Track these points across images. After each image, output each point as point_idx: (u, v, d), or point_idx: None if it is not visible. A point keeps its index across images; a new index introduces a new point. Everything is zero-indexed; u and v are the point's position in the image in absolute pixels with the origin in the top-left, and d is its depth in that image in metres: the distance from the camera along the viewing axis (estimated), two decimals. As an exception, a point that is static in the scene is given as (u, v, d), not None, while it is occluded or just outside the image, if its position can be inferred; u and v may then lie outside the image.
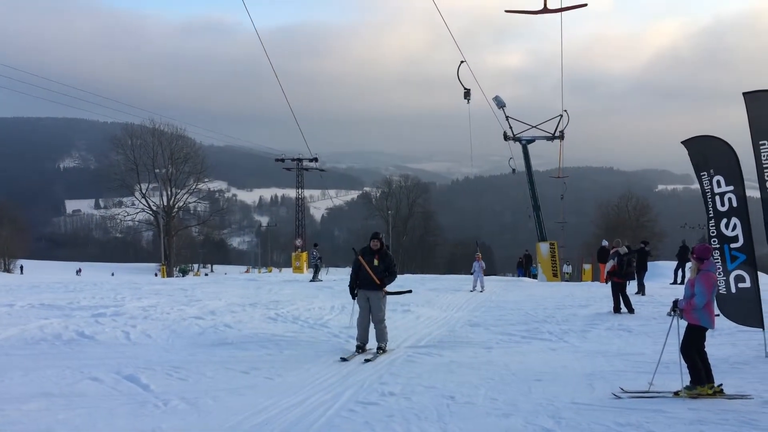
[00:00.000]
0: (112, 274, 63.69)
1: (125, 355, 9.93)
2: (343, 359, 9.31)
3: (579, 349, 10.45)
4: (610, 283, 15.05)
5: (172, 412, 6.60)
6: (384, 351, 9.88)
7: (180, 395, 7.23)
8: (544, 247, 29.93)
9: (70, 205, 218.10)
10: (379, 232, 10.21)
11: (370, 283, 9.76)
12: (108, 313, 13.89)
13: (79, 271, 73.04)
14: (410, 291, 11.39)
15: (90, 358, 9.57)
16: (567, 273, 43.21)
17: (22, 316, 13.62)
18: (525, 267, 39.12)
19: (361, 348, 9.89)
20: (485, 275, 22.88)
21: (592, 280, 33.11)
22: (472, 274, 21.96)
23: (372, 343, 10.06)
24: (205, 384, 7.94)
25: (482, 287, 21.12)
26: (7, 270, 77.43)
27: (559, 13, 20.32)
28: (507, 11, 20.59)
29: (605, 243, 23.58)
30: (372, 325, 9.95)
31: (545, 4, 19.38)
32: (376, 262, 9.74)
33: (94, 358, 9.63)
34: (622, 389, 7.36)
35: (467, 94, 30.58)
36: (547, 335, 11.81)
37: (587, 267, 40.14)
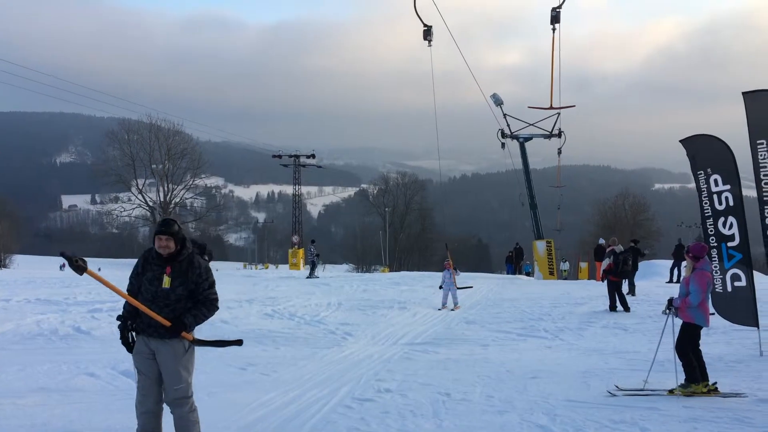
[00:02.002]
0: (99, 269, 63.53)
1: (121, 350, 9.85)
2: None
3: (574, 347, 10.50)
4: (606, 282, 15.08)
5: (168, 408, 6.59)
6: None
7: (176, 391, 7.22)
8: (540, 246, 29.96)
9: (67, 201, 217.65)
10: (172, 219, 5.07)
11: (152, 324, 4.90)
12: (104, 308, 13.87)
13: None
14: (240, 342, 5.42)
15: (86, 354, 9.57)
16: (564, 270, 43.16)
17: (18, 311, 13.61)
18: (515, 262, 35.56)
19: None
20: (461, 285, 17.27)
21: (589, 279, 33.19)
22: (440, 288, 16.25)
23: None
24: (202, 380, 7.92)
25: (455, 303, 15.83)
26: (4, 265, 77.30)
27: (557, 11, 27.56)
28: (530, 107, 30.01)
29: (602, 241, 23.61)
30: (168, 408, 5.26)
31: (551, 104, 29.22)
32: (167, 281, 4.86)
33: (91, 353, 9.64)
34: (617, 387, 7.39)
35: (428, 32, 24.24)
36: (543, 333, 11.85)
37: (584, 265, 40.22)
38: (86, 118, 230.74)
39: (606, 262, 15.13)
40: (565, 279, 38.48)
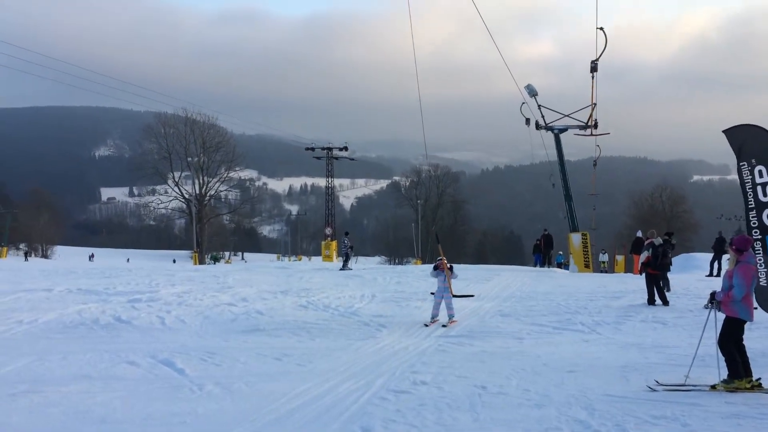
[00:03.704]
0: (128, 260, 64.77)
1: (160, 339, 10.12)
2: None
3: (612, 340, 10.33)
4: (644, 275, 14.81)
5: (207, 397, 6.71)
6: None
7: (214, 380, 7.35)
8: (575, 238, 29.51)
9: (105, 193, 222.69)
10: None
11: None
12: (143, 298, 14.16)
13: (91, 257, 74.30)
14: None
15: (127, 342, 9.78)
16: (603, 262, 42.29)
17: (61, 300, 13.97)
18: (543, 252, 31.34)
19: None
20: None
21: (625, 272, 32.65)
22: (432, 294, 12.55)
23: None
24: (239, 369, 8.05)
25: (450, 317, 11.96)
26: (45, 255, 79.41)
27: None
28: (575, 134, 31.63)
29: (640, 234, 23.18)
30: None
31: (591, 132, 31.12)
32: None
33: (131, 342, 9.84)
34: (657, 382, 7.26)
35: None
36: (579, 326, 11.68)
37: (620, 258, 39.61)
38: (124, 111, 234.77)
39: (644, 255, 14.84)
40: (604, 271, 37.86)
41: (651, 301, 14.20)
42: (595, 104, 30.78)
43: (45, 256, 79.16)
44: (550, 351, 9.39)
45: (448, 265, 12.53)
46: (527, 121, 31.79)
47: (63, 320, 11.54)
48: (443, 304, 12.09)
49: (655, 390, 6.99)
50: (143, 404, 6.36)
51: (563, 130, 31.44)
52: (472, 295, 14.65)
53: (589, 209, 55.82)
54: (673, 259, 18.46)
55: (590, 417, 5.97)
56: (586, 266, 28.83)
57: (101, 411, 6.12)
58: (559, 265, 36.79)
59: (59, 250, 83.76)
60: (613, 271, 37.61)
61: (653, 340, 10.33)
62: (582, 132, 31.59)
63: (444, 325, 11.64)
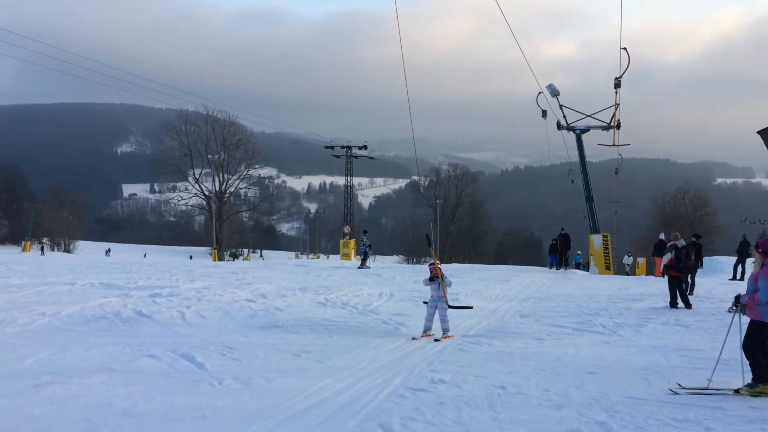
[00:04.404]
0: (144, 256, 65.45)
1: (181, 334, 10.20)
2: None
3: (633, 343, 10.22)
4: (666, 277, 14.63)
5: (226, 391, 6.74)
6: None
7: (234, 375, 7.39)
8: (596, 240, 29.27)
9: (127, 189, 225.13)
10: None
11: None
12: (164, 293, 14.30)
13: (108, 252, 75.10)
14: None
15: (148, 336, 9.87)
16: (627, 264, 41.68)
17: (83, 294, 14.14)
18: (560, 252, 28.90)
19: None
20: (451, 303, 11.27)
21: (647, 274, 32.32)
22: (425, 303, 11.22)
23: None
24: (258, 365, 8.09)
25: (444, 330, 10.53)
26: (68, 250, 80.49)
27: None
28: (599, 144, 32.28)
29: (662, 236, 22.92)
30: None
31: (614, 142, 31.89)
32: None
33: (152, 336, 9.94)
34: (679, 385, 7.15)
35: None
36: (600, 328, 11.58)
37: (641, 260, 39.24)
38: (145, 109, 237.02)
39: (667, 257, 14.64)
40: (627, 274, 37.43)
41: (673, 304, 14.03)
42: (618, 105, 30.54)
43: (67, 250, 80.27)
44: (570, 352, 9.30)
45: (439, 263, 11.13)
46: (544, 113, 31.72)
47: (85, 313, 11.68)
48: (437, 316, 10.67)
49: (677, 393, 6.89)
50: (164, 397, 6.40)
51: (585, 130, 31.21)
52: (471, 307, 13.04)
53: (611, 212, 55.67)
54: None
55: (611, 419, 5.90)
56: (607, 268, 28.57)
57: (123, 403, 6.17)
58: (578, 266, 36.42)
59: (81, 244, 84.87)
60: (634, 274, 37.21)
61: (675, 343, 10.19)
62: (604, 143, 31.98)
63: (437, 340, 10.22)
